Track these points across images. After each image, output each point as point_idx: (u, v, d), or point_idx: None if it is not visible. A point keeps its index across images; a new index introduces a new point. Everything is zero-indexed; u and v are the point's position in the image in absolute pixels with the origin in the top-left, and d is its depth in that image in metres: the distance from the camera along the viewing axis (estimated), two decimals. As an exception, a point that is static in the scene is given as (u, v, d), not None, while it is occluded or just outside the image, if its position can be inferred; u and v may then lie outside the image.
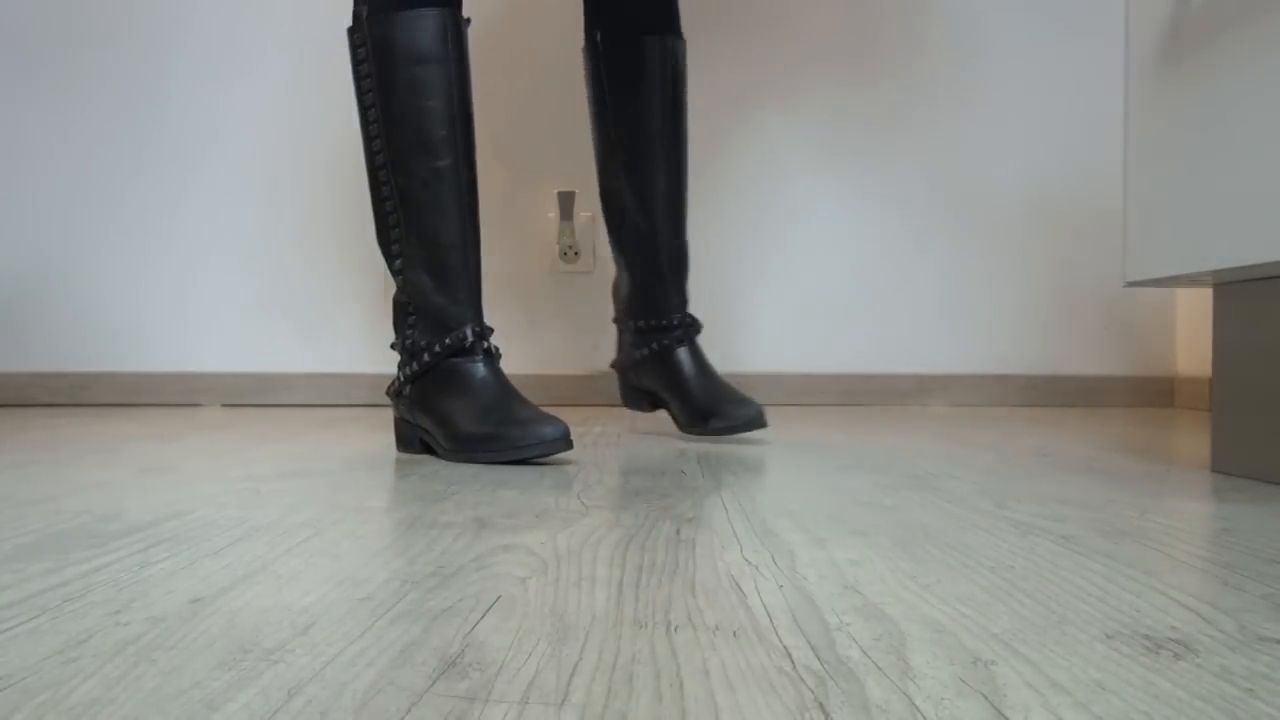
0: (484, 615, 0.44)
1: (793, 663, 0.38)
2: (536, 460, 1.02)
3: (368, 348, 2.03)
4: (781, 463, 1.01)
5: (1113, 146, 2.04)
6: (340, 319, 2.04)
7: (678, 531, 0.64)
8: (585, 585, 0.50)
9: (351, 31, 1.06)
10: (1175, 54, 0.91)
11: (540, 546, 0.59)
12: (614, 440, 1.25)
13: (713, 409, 1.23)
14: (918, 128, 2.04)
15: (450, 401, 1.04)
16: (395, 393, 1.10)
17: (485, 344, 1.06)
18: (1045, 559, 0.56)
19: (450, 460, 1.03)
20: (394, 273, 1.09)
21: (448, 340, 1.05)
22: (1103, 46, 2.04)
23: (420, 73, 1.01)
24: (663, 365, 1.28)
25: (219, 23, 2.03)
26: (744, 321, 2.04)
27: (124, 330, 2.04)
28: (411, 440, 1.10)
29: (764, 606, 0.46)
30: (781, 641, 0.41)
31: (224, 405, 2.00)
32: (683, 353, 1.27)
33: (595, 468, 0.97)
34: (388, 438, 1.28)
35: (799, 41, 2.03)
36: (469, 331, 1.05)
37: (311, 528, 0.65)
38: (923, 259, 2.04)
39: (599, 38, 1.27)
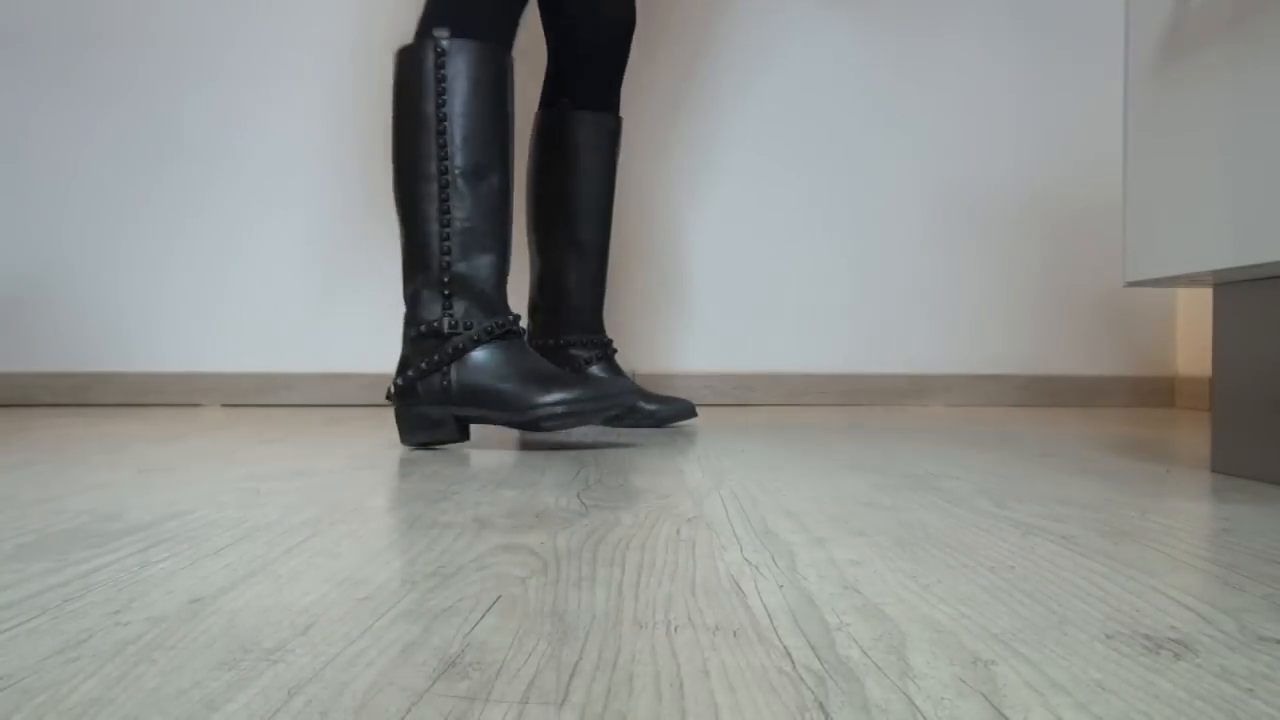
0: (484, 615, 0.44)
1: (793, 663, 0.38)
2: (552, 433, 1.13)
3: (368, 348, 2.03)
4: (782, 463, 1.01)
5: (1113, 146, 2.04)
6: (341, 319, 2.04)
7: (678, 531, 0.64)
8: (585, 585, 0.50)
9: (426, 53, 1.15)
10: (1175, 54, 0.91)
11: (540, 546, 0.59)
12: (614, 440, 1.25)
13: (649, 405, 1.43)
14: (917, 129, 2.04)
15: (520, 375, 1.14)
16: (419, 376, 1.15)
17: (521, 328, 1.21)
18: (1045, 559, 0.56)
19: (545, 429, 1.13)
20: (441, 265, 1.16)
21: (498, 320, 1.16)
22: (1102, 45, 2.04)
23: (496, 98, 1.18)
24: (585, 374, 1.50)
25: (241, 31, 2.03)
26: (744, 322, 2.04)
27: (126, 331, 2.04)
28: (435, 422, 1.15)
29: (764, 607, 0.46)
30: (781, 641, 0.41)
31: (224, 405, 2.01)
32: (598, 367, 1.49)
33: (595, 468, 0.97)
34: (388, 437, 1.28)
35: (795, 42, 2.03)
36: (513, 315, 1.18)
37: (311, 528, 0.65)
38: (923, 259, 2.04)
39: (563, 106, 1.47)
